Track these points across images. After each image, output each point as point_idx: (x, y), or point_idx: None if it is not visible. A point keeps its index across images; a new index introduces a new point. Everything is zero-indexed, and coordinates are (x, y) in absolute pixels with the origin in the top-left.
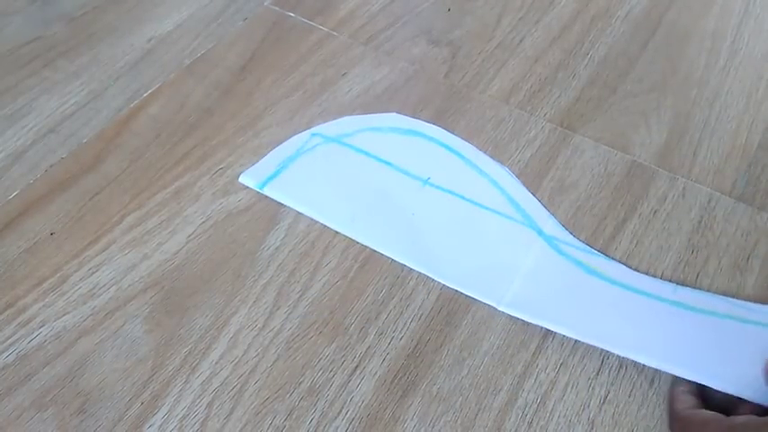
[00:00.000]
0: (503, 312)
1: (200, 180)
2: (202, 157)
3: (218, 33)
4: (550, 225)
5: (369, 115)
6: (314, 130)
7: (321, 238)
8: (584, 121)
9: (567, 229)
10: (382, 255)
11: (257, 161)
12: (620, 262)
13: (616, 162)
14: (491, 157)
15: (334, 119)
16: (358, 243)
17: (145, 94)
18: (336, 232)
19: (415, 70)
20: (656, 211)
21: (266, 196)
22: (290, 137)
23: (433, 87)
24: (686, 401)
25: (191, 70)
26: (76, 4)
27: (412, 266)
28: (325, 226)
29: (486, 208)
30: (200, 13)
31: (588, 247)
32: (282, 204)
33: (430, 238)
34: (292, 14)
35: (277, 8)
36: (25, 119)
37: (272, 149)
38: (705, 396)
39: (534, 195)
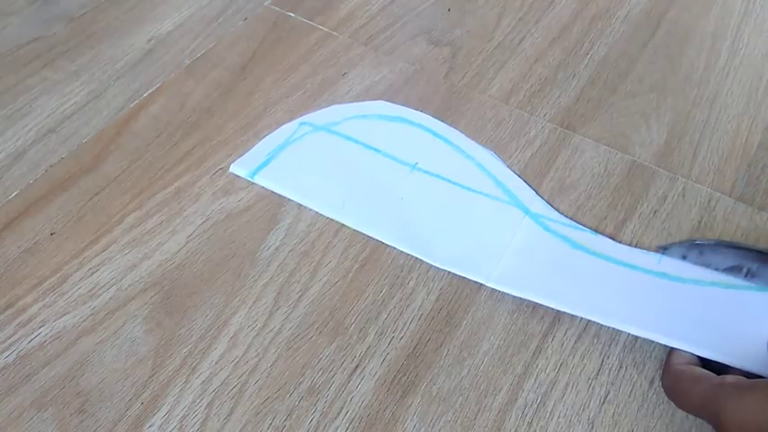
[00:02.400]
0: (503, 312)
1: (201, 180)
2: (202, 157)
3: (219, 33)
4: (536, 204)
5: (356, 103)
6: (302, 119)
7: (321, 238)
8: (585, 122)
9: (553, 207)
10: (382, 255)
11: (248, 150)
12: (605, 235)
13: (616, 162)
14: (476, 141)
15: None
16: (358, 243)
17: (145, 94)
18: (336, 232)
19: (415, 70)
20: (656, 211)
21: (266, 196)
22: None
23: (432, 87)
24: (682, 356)
25: (191, 70)
26: (76, 4)
27: (402, 249)
28: (323, 227)
29: (473, 190)
30: (200, 13)
31: (574, 223)
32: (282, 204)
33: (419, 221)
34: (292, 14)
35: (277, 8)
36: (25, 119)
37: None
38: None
39: (519, 176)
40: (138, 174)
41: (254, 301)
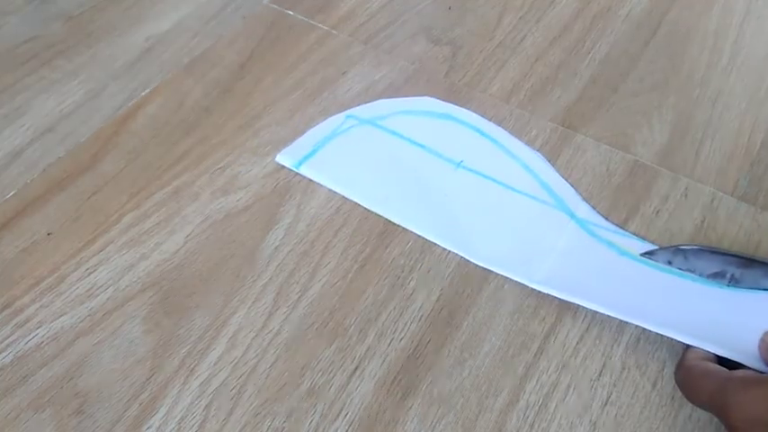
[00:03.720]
0: (504, 312)
1: (199, 179)
2: (201, 156)
3: (217, 32)
4: (583, 209)
5: (403, 99)
6: (349, 112)
7: (321, 238)
8: (586, 121)
9: (599, 213)
10: (382, 255)
11: (293, 141)
12: (652, 243)
13: (618, 162)
14: (523, 142)
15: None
16: (358, 244)
17: (143, 94)
18: (336, 232)
19: (416, 69)
20: (658, 211)
21: (266, 196)
22: (291, 136)
23: (433, 86)
24: (697, 353)
25: (189, 69)
26: (75, 3)
27: (444, 245)
28: (323, 227)
29: (519, 191)
30: (198, 11)
31: (620, 230)
32: (282, 204)
33: (462, 218)
34: (292, 13)
35: (276, 6)
36: (23, 118)
37: (271, 149)
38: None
39: (567, 180)
40: (136, 173)
41: (254, 302)
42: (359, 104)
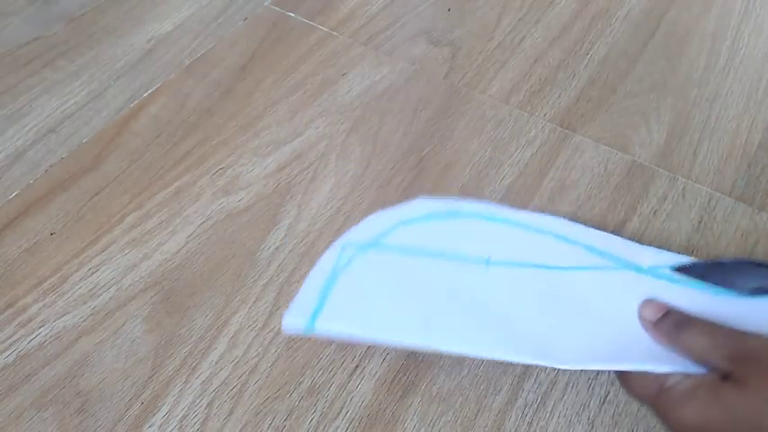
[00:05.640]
0: None
1: (201, 180)
2: (202, 156)
3: (219, 33)
4: (645, 256)
5: (395, 208)
6: (342, 240)
7: (321, 238)
8: (585, 121)
9: (666, 250)
10: None
11: (293, 297)
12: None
13: (616, 162)
14: (542, 213)
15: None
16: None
17: (145, 94)
18: (336, 232)
19: (415, 70)
20: (656, 212)
21: (266, 196)
22: (291, 141)
23: (432, 87)
24: None
25: (191, 70)
26: (76, 4)
27: (517, 361)
28: (323, 227)
29: (566, 268)
30: (200, 13)
31: (703, 261)
32: (283, 204)
33: (523, 322)
34: (292, 14)
35: (277, 8)
36: (25, 119)
37: (272, 149)
38: None
39: (611, 232)
40: (138, 174)
41: (254, 301)
42: (359, 105)
